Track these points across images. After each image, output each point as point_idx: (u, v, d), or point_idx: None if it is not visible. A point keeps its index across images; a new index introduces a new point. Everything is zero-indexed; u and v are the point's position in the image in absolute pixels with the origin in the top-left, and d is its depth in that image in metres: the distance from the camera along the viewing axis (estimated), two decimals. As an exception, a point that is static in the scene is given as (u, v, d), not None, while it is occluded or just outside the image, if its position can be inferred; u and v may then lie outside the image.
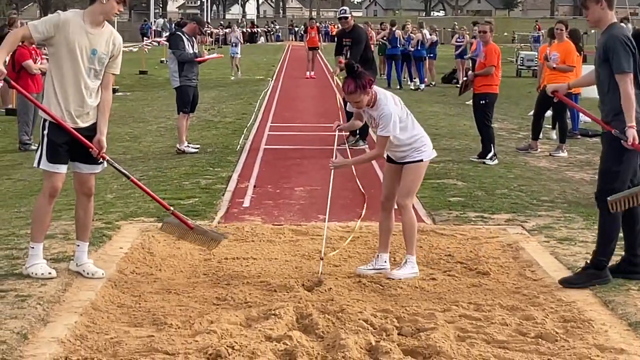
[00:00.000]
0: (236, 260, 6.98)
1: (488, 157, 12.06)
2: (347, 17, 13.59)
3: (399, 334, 5.16)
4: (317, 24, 36.00)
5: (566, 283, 6.27)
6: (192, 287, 6.23)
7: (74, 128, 6.17)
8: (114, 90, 7.35)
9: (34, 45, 13.01)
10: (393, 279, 6.43)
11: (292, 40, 69.20)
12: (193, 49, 12.70)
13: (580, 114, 14.37)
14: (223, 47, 44.84)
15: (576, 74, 12.95)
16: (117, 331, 5.24)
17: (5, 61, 6.30)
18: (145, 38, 51.25)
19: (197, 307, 5.74)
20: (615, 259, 6.48)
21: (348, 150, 10.92)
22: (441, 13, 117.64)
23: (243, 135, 14.71)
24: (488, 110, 12.28)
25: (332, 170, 6.83)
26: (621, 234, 6.46)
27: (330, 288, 6.12)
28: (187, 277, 6.56)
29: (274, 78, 29.04)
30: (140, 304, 5.84)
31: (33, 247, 6.32)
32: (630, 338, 5.23)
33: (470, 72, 13.06)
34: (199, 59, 12.83)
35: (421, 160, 6.56)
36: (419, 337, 5.08)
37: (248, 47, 50.65)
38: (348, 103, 6.77)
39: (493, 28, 12.79)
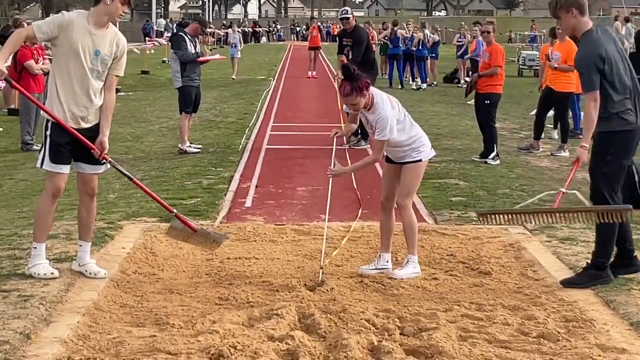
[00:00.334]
0: (238, 260, 6.99)
1: (490, 157, 12.06)
2: (348, 18, 13.59)
3: (401, 334, 5.16)
4: (319, 23, 35.99)
5: (567, 283, 6.28)
6: (194, 287, 6.23)
7: (76, 129, 6.17)
8: (116, 91, 7.34)
9: (36, 45, 13.02)
10: (395, 279, 6.43)
11: (293, 40, 69.15)
12: (195, 49, 12.70)
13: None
14: (225, 47, 44.81)
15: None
16: (120, 331, 5.25)
17: (8, 61, 6.30)
18: (147, 38, 51.33)
19: (200, 307, 5.74)
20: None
21: (347, 153, 10.89)
22: (442, 13, 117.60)
23: (245, 135, 14.71)
24: (492, 110, 12.28)
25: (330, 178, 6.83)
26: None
27: (333, 288, 6.12)
28: (190, 277, 6.56)
29: (276, 78, 29.02)
30: (142, 304, 5.85)
31: (36, 247, 6.33)
32: (632, 338, 5.23)
33: (474, 74, 13.03)
34: (201, 59, 12.84)
35: (420, 160, 6.56)
36: (421, 337, 5.08)
37: (250, 47, 50.70)
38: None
39: (495, 28, 12.80)
